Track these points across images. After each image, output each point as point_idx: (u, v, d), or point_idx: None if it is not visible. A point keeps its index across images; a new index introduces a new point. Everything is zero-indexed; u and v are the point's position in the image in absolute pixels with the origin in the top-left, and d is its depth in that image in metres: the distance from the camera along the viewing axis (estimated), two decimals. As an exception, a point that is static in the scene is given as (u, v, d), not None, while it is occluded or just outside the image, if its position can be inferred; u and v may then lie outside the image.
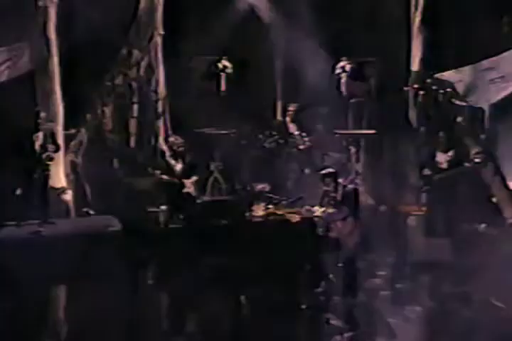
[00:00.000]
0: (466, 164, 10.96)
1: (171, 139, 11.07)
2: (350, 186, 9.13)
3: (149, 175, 10.85)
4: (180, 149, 10.72)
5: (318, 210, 8.91)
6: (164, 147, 12.00)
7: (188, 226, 9.22)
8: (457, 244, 10.26)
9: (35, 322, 8.28)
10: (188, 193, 10.60)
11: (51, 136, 10.57)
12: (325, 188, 8.96)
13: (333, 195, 8.92)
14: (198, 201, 10.59)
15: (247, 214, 9.52)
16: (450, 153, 10.90)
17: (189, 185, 10.64)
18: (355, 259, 8.99)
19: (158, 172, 10.64)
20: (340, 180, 8.98)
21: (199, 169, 10.96)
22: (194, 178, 10.72)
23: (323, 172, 9.05)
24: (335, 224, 9.00)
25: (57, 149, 10.61)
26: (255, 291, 9.12)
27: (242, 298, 8.97)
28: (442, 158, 10.90)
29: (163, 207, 10.58)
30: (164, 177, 10.58)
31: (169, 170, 10.65)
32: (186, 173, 10.71)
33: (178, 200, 10.47)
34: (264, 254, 8.93)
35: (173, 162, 10.73)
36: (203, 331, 8.17)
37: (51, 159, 10.37)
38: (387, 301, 8.89)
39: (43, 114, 10.53)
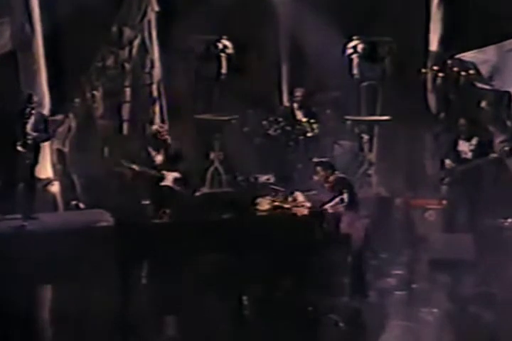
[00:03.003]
0: (493, 154, 11.03)
1: (155, 127, 11.17)
2: (341, 175, 9.37)
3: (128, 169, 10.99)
4: (164, 138, 10.83)
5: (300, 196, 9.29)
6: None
7: (185, 221, 9.34)
8: (479, 241, 10.39)
9: (19, 322, 8.48)
10: (167, 187, 10.71)
11: (44, 122, 10.64)
12: (315, 179, 9.28)
13: (326, 186, 9.22)
14: (197, 194, 10.70)
15: (251, 207, 9.64)
16: (474, 142, 10.96)
17: (169, 178, 10.76)
18: (364, 255, 9.15)
19: (131, 163, 10.72)
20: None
21: (184, 160, 11.04)
22: (176, 174, 10.80)
23: (315, 160, 9.40)
24: (343, 218, 9.21)
25: (47, 138, 10.67)
26: (258, 291, 9.29)
27: (244, 297, 9.13)
28: (465, 147, 10.96)
29: (146, 202, 10.73)
30: (137, 168, 10.66)
31: (148, 161, 10.76)
32: (169, 165, 10.80)
33: (158, 194, 10.58)
34: (269, 251, 9.08)
35: (153, 152, 10.85)
36: (201, 332, 8.35)
37: (25, 146, 10.39)
38: (402, 302, 9.06)
39: (36, 98, 10.62)
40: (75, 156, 12.04)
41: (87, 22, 11.95)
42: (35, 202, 10.68)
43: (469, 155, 10.92)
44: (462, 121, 11.04)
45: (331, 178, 9.23)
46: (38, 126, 10.52)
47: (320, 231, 9.19)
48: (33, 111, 10.50)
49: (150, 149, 10.86)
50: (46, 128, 10.65)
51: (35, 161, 10.56)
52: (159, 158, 10.82)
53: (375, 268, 9.67)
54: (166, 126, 11.02)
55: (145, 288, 9.52)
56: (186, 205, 10.30)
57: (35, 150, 10.50)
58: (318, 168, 9.31)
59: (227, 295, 9.13)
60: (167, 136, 10.85)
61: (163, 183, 10.75)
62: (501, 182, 11.96)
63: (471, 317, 8.63)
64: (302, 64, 12.82)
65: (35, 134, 10.43)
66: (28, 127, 10.41)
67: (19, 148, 10.34)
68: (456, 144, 11.01)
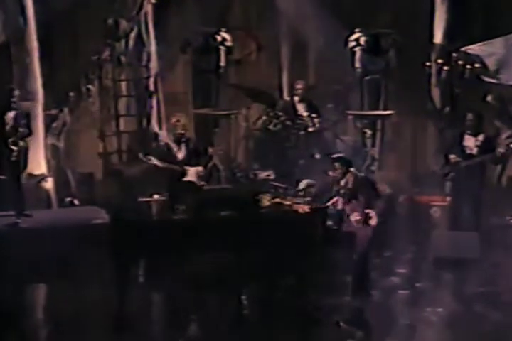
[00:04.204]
0: (500, 150, 10.98)
1: (172, 120, 11.11)
2: (361, 174, 9.35)
3: (140, 161, 10.91)
4: (182, 132, 10.75)
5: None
6: (157, 129, 12.12)
7: (184, 219, 9.34)
8: (485, 239, 10.37)
9: (13, 322, 8.47)
10: (190, 182, 10.59)
11: (26, 118, 10.59)
12: (332, 174, 9.24)
13: (342, 183, 9.17)
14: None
15: (251, 204, 9.61)
16: (480, 138, 10.90)
17: (192, 174, 10.72)
18: (369, 255, 9.14)
19: (152, 158, 10.67)
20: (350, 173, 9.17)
21: (204, 155, 11.00)
22: (200, 169, 10.76)
23: (334, 156, 9.34)
24: (347, 216, 9.20)
25: (28, 133, 10.60)
26: (258, 290, 9.29)
27: (244, 297, 9.12)
28: (471, 143, 10.92)
29: (156, 197, 10.68)
30: (159, 164, 10.60)
31: (170, 156, 10.73)
32: (190, 160, 10.74)
33: (178, 189, 10.54)
34: (268, 249, 9.07)
35: (175, 147, 10.79)
36: (200, 333, 8.35)
37: (16, 144, 10.37)
38: (406, 301, 9.05)
39: (17, 92, 10.61)
40: (69, 152, 12.06)
41: (82, 14, 11.95)
42: (24, 199, 10.63)
43: (475, 151, 10.86)
44: (470, 115, 10.92)
45: (349, 175, 9.16)
46: (20, 121, 10.48)
47: (322, 229, 9.17)
48: (15, 106, 10.47)
49: (171, 144, 10.80)
50: (28, 124, 10.59)
51: (25, 157, 10.53)
52: (181, 153, 10.75)
53: (379, 267, 9.65)
54: (182, 120, 10.88)
55: (142, 287, 9.50)
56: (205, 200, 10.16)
57: (23, 145, 10.44)
58: (336, 164, 9.25)
59: (226, 295, 9.13)
60: (184, 130, 10.74)
61: (186, 179, 10.66)
62: (507, 179, 11.95)
63: (477, 317, 8.60)
64: (303, 57, 12.83)
65: (21, 130, 10.41)
66: (10, 122, 10.36)
67: (12, 147, 10.33)
68: (462, 139, 10.93)
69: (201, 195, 10.22)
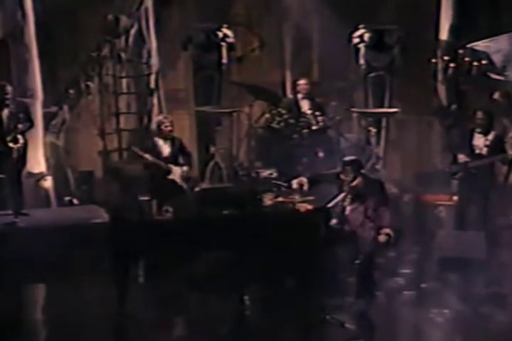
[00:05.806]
0: (511, 152, 10.93)
1: (159, 117, 11.16)
2: (373, 176, 9.33)
3: (139, 159, 10.95)
4: (168, 129, 10.81)
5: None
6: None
7: (185, 218, 9.34)
8: (492, 239, 10.36)
9: (9, 323, 8.48)
10: (173, 181, 10.68)
11: (25, 112, 10.58)
12: (344, 178, 9.20)
13: (352, 184, 9.14)
14: (196, 189, 10.70)
15: (253, 203, 9.62)
16: (490, 136, 10.82)
17: (176, 172, 10.74)
18: (374, 256, 9.13)
19: (142, 153, 10.72)
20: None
21: (190, 154, 11.02)
22: (185, 168, 10.78)
23: (346, 159, 9.30)
24: (351, 216, 9.19)
25: (30, 126, 10.58)
26: (260, 291, 9.28)
27: (245, 298, 9.11)
28: (481, 142, 10.83)
29: (144, 198, 10.70)
30: (149, 157, 10.65)
31: (156, 152, 10.77)
32: (176, 158, 10.79)
33: (164, 189, 10.56)
34: (271, 249, 9.07)
35: (160, 143, 10.83)
36: (201, 333, 8.35)
37: (16, 141, 10.40)
38: (410, 303, 9.03)
39: (9, 88, 10.58)
40: (69, 150, 12.06)
41: (81, 9, 11.95)
42: (23, 198, 10.64)
43: (484, 150, 10.77)
44: (480, 114, 10.79)
45: (359, 179, 9.12)
46: (19, 116, 10.45)
47: (325, 228, 9.16)
48: (8, 102, 10.44)
49: (157, 141, 10.83)
50: (29, 116, 10.58)
51: (24, 155, 10.52)
52: (166, 151, 10.78)
53: (383, 267, 9.64)
54: (170, 117, 10.95)
55: (142, 288, 9.50)
56: (189, 201, 10.27)
57: (22, 142, 10.43)
58: (348, 168, 9.20)
59: (227, 295, 9.12)
60: (171, 128, 10.79)
61: (169, 177, 10.71)
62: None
63: (483, 318, 8.58)
64: (307, 53, 12.82)
65: (20, 126, 10.40)
66: (6, 119, 10.35)
67: (11, 145, 10.32)
68: (471, 138, 10.83)
69: (204, 195, 10.27)
